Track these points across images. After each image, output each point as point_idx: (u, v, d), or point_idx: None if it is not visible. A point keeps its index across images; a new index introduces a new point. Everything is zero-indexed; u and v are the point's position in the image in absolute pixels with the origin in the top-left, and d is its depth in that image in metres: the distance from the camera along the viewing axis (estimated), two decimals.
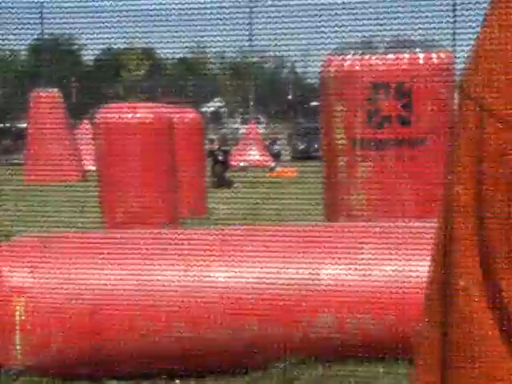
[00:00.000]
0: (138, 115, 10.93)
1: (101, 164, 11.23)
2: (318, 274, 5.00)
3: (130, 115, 10.89)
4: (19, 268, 4.95)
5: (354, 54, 7.75)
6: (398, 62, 7.38)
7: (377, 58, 7.55)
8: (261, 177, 19.35)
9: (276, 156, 26.11)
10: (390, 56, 7.54)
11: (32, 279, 4.91)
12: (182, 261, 5.10)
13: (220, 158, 20.07)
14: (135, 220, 10.22)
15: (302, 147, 29.40)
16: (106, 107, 11.55)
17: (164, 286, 4.99)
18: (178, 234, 5.56)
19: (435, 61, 7.90)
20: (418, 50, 7.86)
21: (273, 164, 23.72)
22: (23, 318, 4.83)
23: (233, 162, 22.97)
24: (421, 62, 7.73)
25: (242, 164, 24.33)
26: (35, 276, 4.91)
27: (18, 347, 4.83)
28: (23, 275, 4.92)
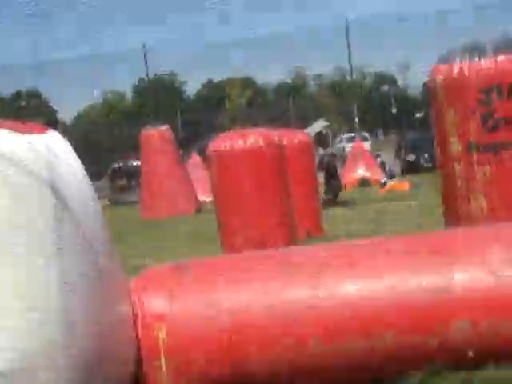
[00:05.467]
0: (249, 142, 11.18)
1: (217, 193, 11.54)
2: (450, 280, 4.99)
3: (240, 142, 11.16)
4: (158, 296, 5.18)
5: (461, 60, 7.70)
6: (509, 62, 7.30)
7: (486, 61, 7.48)
8: (373, 193, 19.29)
9: (386, 171, 25.97)
10: (500, 57, 7.46)
11: (171, 305, 5.12)
12: (311, 277, 5.19)
13: (333, 172, 20.08)
14: (254, 245, 10.42)
15: (411, 159, 29.05)
16: (216, 138, 11.90)
17: (295, 304, 5.10)
18: (303, 252, 5.67)
19: None
20: None
21: (384, 180, 23.58)
22: (166, 343, 5.04)
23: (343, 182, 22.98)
24: None
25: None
26: (173, 302, 5.12)
27: (163, 372, 5.04)
28: (162, 302, 5.15)
